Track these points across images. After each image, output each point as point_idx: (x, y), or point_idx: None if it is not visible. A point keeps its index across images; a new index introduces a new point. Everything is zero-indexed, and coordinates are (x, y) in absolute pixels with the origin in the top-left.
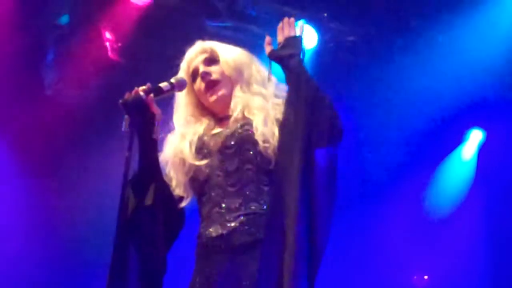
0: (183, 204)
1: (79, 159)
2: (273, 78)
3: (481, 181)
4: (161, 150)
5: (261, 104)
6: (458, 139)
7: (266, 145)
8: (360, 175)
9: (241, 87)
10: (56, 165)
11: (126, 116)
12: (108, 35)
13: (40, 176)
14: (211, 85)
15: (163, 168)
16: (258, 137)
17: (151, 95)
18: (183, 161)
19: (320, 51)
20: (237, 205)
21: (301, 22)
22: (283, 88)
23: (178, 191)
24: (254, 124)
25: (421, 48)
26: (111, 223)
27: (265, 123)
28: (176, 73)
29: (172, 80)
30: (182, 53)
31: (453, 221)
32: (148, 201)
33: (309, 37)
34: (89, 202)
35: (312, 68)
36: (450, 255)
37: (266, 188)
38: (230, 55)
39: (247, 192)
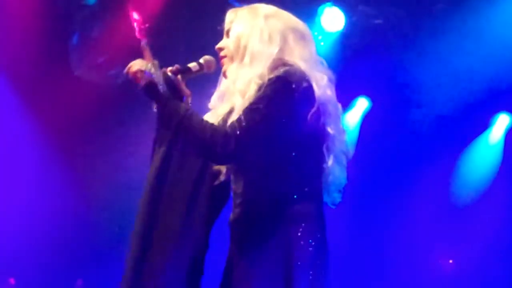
0: (222, 177)
1: (107, 138)
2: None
3: (508, 166)
4: None
5: (242, 87)
6: (485, 124)
7: None
8: (386, 161)
9: (237, 62)
10: (81, 141)
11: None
12: (135, 15)
13: (63, 151)
14: (221, 61)
15: None
16: None
17: (179, 75)
18: None
19: (348, 33)
20: (241, 190)
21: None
22: (282, 64)
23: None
24: (233, 113)
25: (449, 31)
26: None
27: (238, 111)
28: (204, 52)
29: (201, 60)
30: (209, 32)
31: (479, 206)
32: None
33: (337, 19)
34: (109, 179)
35: (340, 50)
36: (476, 240)
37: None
38: (237, 26)
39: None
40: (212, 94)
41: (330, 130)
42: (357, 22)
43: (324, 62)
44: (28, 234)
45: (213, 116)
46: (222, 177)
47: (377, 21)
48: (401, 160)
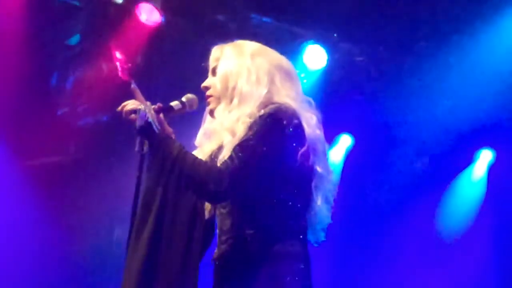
0: (205, 215)
1: (92, 179)
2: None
3: (491, 201)
4: None
5: (229, 126)
6: (468, 159)
7: None
8: (370, 198)
9: (225, 103)
10: (68, 185)
11: (138, 137)
12: (118, 55)
13: (51, 196)
14: (207, 99)
15: None
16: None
17: (162, 114)
18: None
19: (330, 71)
20: (228, 227)
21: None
22: (270, 103)
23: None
24: (223, 151)
25: (431, 69)
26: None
27: (228, 148)
28: (186, 91)
29: (183, 99)
30: (192, 72)
31: (465, 242)
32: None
33: (319, 56)
34: (98, 221)
35: (323, 87)
36: (463, 276)
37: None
38: (224, 65)
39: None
40: (192, 132)
41: (319, 169)
42: (339, 59)
43: (312, 102)
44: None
45: (199, 153)
46: (207, 215)
47: (359, 59)
48: (385, 197)
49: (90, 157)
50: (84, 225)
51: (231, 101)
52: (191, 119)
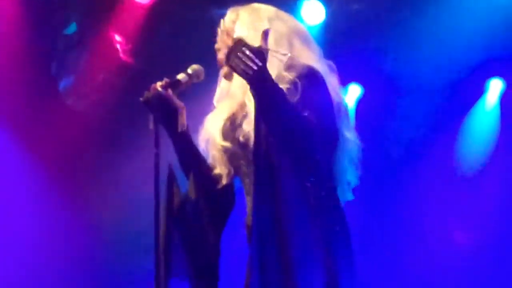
0: (224, 181)
1: (105, 163)
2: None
3: (506, 131)
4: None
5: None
6: (479, 91)
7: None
8: (386, 142)
9: None
10: (80, 170)
11: (150, 115)
12: (117, 37)
13: (62, 183)
14: (220, 61)
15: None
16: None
17: (170, 89)
18: (213, 139)
19: (329, 23)
20: None
21: None
22: (295, 66)
23: (217, 169)
24: (249, 116)
25: (430, 7)
26: (143, 224)
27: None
28: (190, 64)
29: (189, 70)
30: (194, 44)
31: (485, 174)
32: (191, 194)
33: (317, 11)
34: (117, 205)
35: (324, 41)
36: (488, 208)
37: None
38: (241, 29)
39: None
40: (202, 104)
41: (343, 131)
42: (337, 11)
43: (333, 65)
44: (27, 265)
45: (218, 114)
46: (224, 181)
47: (356, 7)
48: (402, 139)
49: (101, 143)
50: (100, 212)
51: None
52: (200, 90)
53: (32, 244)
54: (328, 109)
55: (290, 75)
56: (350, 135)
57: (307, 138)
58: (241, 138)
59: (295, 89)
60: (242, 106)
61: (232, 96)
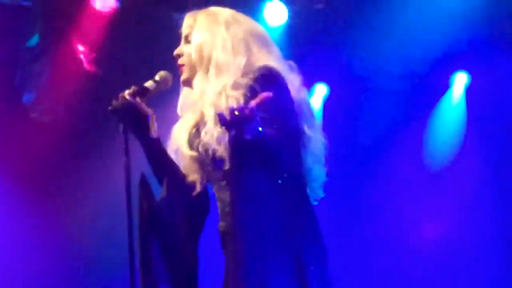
0: (198, 188)
1: (76, 174)
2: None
3: (473, 123)
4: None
5: (213, 99)
6: (444, 85)
7: (218, 147)
8: (354, 139)
9: (201, 73)
10: (52, 185)
11: (120, 123)
12: (80, 47)
13: (35, 201)
14: (179, 68)
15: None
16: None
17: (138, 97)
18: (180, 149)
19: (292, 24)
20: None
21: None
22: (253, 69)
23: (190, 177)
24: (207, 125)
25: (391, 2)
26: (116, 234)
27: (215, 122)
28: (155, 69)
29: (156, 77)
30: (157, 50)
31: (454, 167)
32: (166, 202)
33: (280, 12)
34: (94, 213)
35: (288, 42)
36: (458, 202)
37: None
38: (198, 34)
39: None
40: (170, 109)
41: (306, 130)
42: (299, 10)
43: (294, 65)
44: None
45: (183, 124)
46: (198, 188)
47: (319, 6)
48: (370, 137)
49: (70, 154)
50: (76, 223)
51: (207, 71)
52: (168, 96)
53: (2, 258)
54: (288, 107)
55: (246, 80)
56: (313, 133)
57: (274, 148)
58: (200, 148)
59: (252, 94)
60: (203, 114)
61: (194, 104)
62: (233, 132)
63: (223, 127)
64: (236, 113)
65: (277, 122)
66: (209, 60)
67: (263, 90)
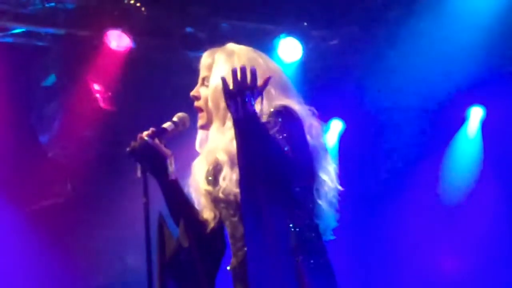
0: (211, 225)
1: (94, 215)
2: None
3: (489, 157)
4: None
5: (225, 146)
6: (460, 119)
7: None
8: (370, 174)
9: (217, 125)
10: (71, 224)
11: (138, 164)
12: (96, 86)
13: (56, 239)
14: (197, 110)
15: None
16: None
17: (156, 138)
18: (197, 184)
19: (307, 61)
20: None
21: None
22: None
23: (205, 214)
24: (224, 170)
25: (405, 37)
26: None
27: (231, 167)
28: (171, 108)
29: (175, 118)
30: (171, 88)
31: (470, 202)
32: (184, 242)
33: (294, 48)
34: (110, 253)
35: (302, 78)
36: (475, 236)
37: None
38: (216, 77)
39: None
40: (190, 150)
41: (320, 173)
42: (314, 47)
43: (315, 112)
44: None
45: (202, 162)
46: (211, 224)
47: (333, 42)
48: (386, 171)
49: (88, 192)
50: (92, 263)
51: (223, 123)
52: (186, 136)
53: None
54: (303, 146)
55: (266, 111)
56: (327, 178)
57: (286, 169)
58: (221, 195)
59: (272, 125)
60: (217, 160)
61: (212, 142)
62: (233, 108)
63: (225, 96)
64: (239, 75)
65: (291, 155)
66: (226, 112)
67: (281, 125)
